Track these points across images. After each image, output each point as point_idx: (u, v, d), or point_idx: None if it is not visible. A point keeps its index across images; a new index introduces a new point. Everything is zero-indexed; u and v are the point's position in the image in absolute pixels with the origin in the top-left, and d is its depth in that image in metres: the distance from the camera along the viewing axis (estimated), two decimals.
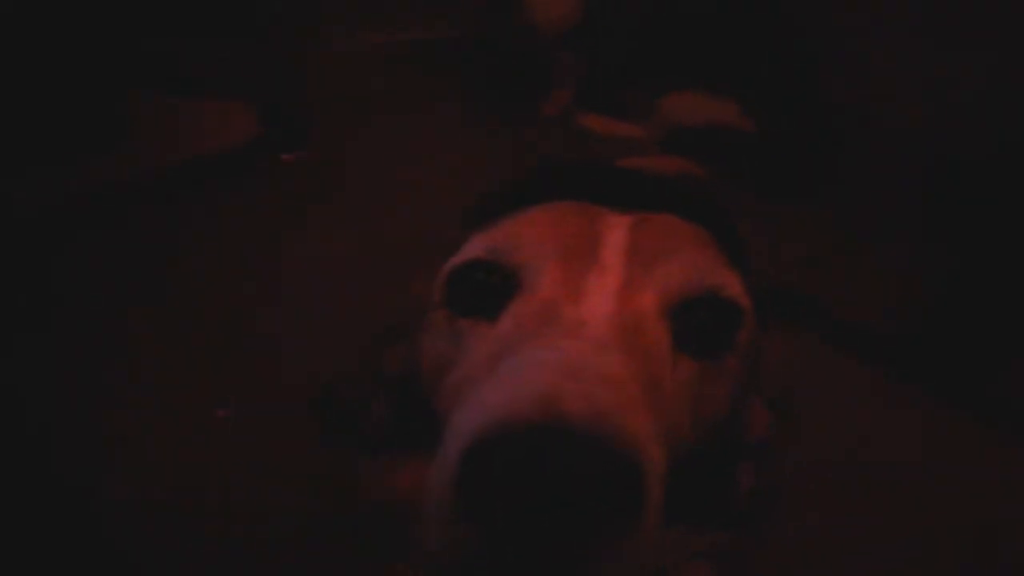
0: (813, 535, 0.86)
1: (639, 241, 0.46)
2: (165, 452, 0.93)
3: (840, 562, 0.86)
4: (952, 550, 0.89)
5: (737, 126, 1.40)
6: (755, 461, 0.52)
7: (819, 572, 0.85)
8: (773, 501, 0.55)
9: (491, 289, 0.45)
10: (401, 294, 0.55)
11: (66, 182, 1.26)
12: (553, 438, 0.33)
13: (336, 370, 0.58)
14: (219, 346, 1.07)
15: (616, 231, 0.46)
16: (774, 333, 0.68)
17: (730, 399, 0.46)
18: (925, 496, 0.94)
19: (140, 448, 0.93)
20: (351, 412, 0.55)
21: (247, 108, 1.46)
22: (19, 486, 0.86)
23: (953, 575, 0.88)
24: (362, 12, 1.68)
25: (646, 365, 0.40)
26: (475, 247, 0.46)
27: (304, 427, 0.60)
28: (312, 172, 1.39)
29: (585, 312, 0.41)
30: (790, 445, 0.56)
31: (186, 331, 1.09)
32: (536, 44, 1.49)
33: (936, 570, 0.88)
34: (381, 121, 1.50)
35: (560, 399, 0.35)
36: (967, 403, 1.13)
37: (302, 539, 0.82)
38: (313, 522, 0.83)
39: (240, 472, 0.91)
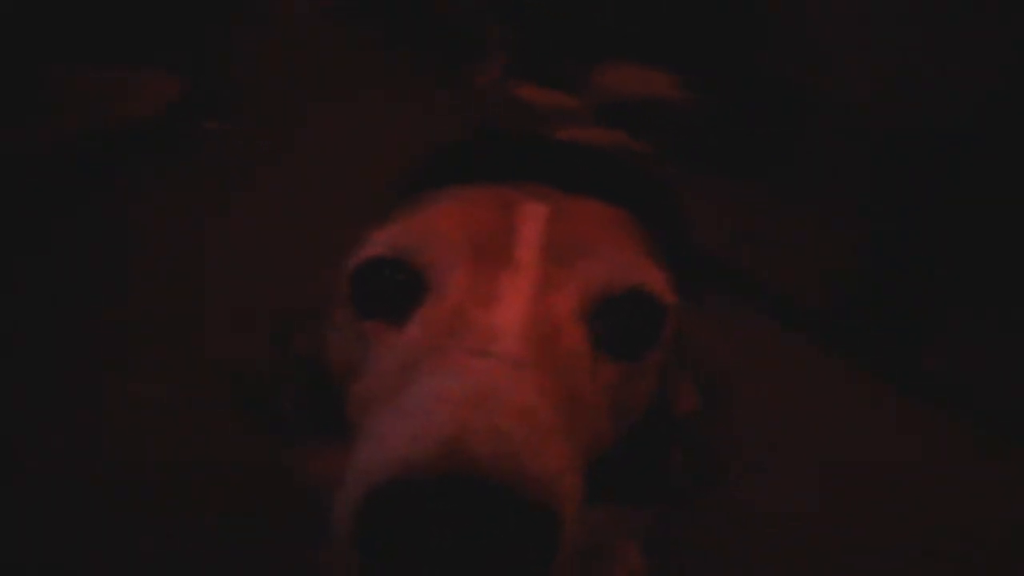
0: (746, 508, 0.86)
1: (557, 235, 0.42)
2: (89, 431, 0.90)
3: (769, 534, 0.87)
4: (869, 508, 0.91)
5: (673, 98, 1.39)
6: (683, 437, 0.51)
7: (755, 544, 0.86)
8: (704, 476, 0.55)
9: (398, 288, 0.41)
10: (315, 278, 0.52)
11: None
12: (459, 487, 0.31)
13: (248, 354, 0.56)
14: (138, 325, 1.03)
15: (532, 223, 0.43)
16: (706, 305, 0.67)
17: (653, 392, 0.45)
18: (852, 463, 0.96)
19: (65, 428, 0.90)
20: (262, 396, 0.53)
21: (168, 75, 1.40)
22: None
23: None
24: None
25: (563, 377, 0.38)
26: (380, 241, 0.42)
27: (227, 409, 0.57)
28: (235, 143, 1.34)
29: (497, 320, 0.38)
30: (720, 419, 0.55)
31: (103, 309, 1.05)
32: (463, 11, 1.46)
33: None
34: (307, 89, 1.45)
35: (466, 440, 0.32)
36: (894, 375, 1.15)
37: (227, 523, 0.80)
38: (237, 505, 0.80)
39: (165, 452, 0.89)
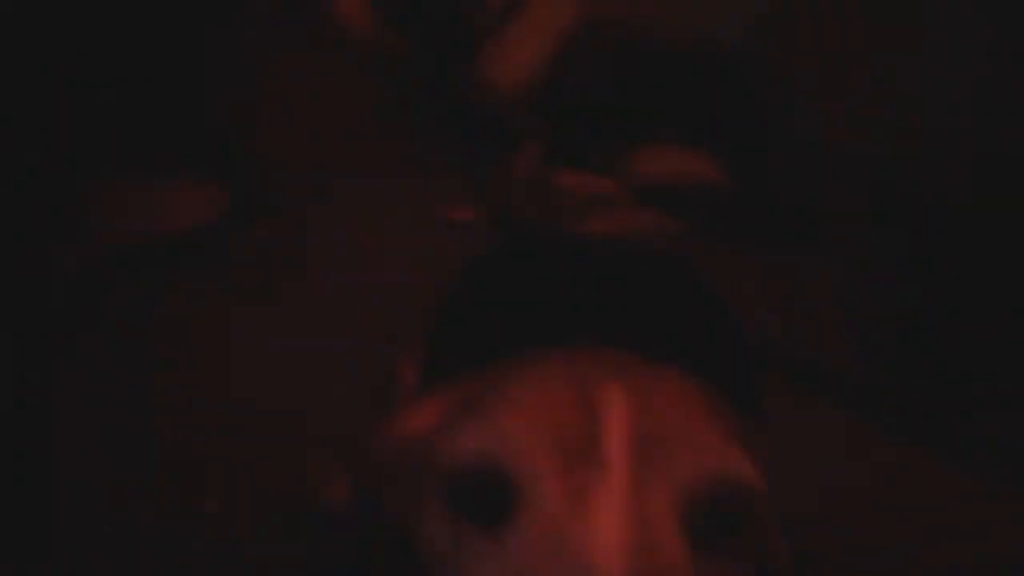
0: None
1: (641, 424, 0.42)
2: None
3: None
4: None
5: (709, 178, 1.39)
6: None
7: None
8: None
9: (489, 492, 0.41)
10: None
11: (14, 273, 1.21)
12: None
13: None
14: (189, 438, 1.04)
15: (616, 413, 0.42)
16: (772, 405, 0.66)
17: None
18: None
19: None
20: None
21: (208, 183, 1.42)
22: None
23: None
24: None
25: None
26: (470, 448, 0.42)
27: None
28: (271, 246, 1.35)
29: (595, 537, 0.37)
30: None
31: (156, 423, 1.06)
32: (498, 103, 1.47)
33: None
34: (340, 184, 1.46)
35: None
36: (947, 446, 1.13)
37: None
38: None
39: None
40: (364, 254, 1.35)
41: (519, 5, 1.48)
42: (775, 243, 1.36)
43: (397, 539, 0.47)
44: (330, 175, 1.47)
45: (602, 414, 0.42)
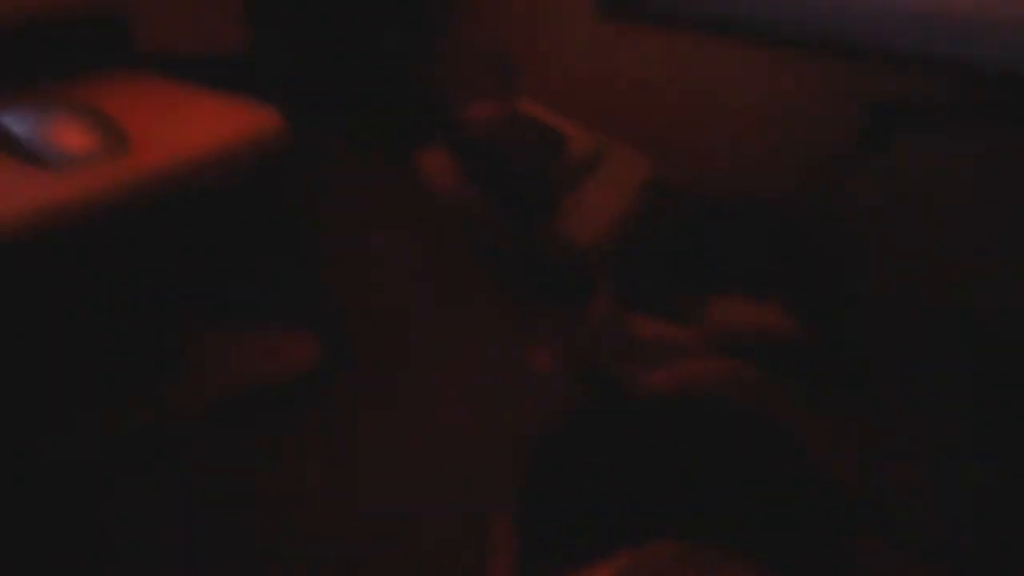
0: None
1: None
2: None
3: None
4: None
5: (781, 328, 1.42)
6: None
7: None
8: None
9: None
10: None
11: (110, 427, 1.27)
12: None
13: None
14: None
15: None
16: None
17: None
18: None
19: None
20: None
21: (301, 333, 1.50)
22: None
23: None
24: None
25: None
26: None
27: None
28: (363, 394, 1.40)
29: None
30: None
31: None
32: (577, 258, 1.54)
33: None
34: (426, 335, 1.52)
35: None
36: None
37: None
38: None
39: None
40: (453, 402, 1.39)
41: (595, 162, 1.57)
42: (848, 395, 1.38)
43: None
44: (417, 326, 1.54)
45: None
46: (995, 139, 1.42)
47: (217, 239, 1.53)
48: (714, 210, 1.54)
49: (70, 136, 1.19)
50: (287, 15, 1.88)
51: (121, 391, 1.32)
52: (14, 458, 1.18)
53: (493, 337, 1.52)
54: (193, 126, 1.30)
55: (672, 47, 1.68)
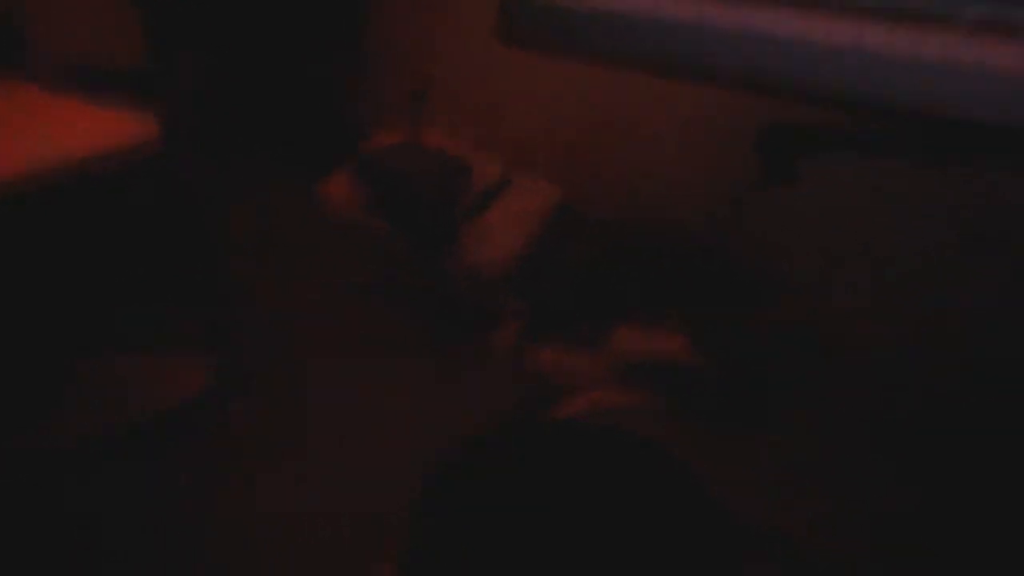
0: None
1: None
2: None
3: None
4: None
5: (684, 357, 1.42)
6: None
7: None
8: None
9: None
10: None
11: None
12: None
13: None
14: None
15: None
16: None
17: None
18: None
19: None
20: None
21: (196, 358, 1.46)
22: None
23: None
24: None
25: None
26: None
27: None
28: (254, 426, 1.37)
29: None
30: None
31: None
32: (479, 285, 1.53)
33: None
34: (322, 366, 1.50)
35: None
36: None
37: None
38: None
39: None
40: (345, 430, 1.37)
41: (501, 190, 1.56)
42: (745, 421, 1.39)
43: None
44: (313, 350, 1.51)
45: None
46: (897, 169, 1.45)
47: (99, 255, 1.48)
48: (619, 237, 1.54)
49: None
50: (192, 33, 1.84)
51: (3, 418, 1.27)
52: None
53: (395, 365, 1.50)
54: (57, 132, 1.26)
55: (575, 73, 1.68)
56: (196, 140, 1.33)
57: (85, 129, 1.25)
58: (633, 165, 1.68)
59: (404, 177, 1.52)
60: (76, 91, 1.39)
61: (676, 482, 0.82)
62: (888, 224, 1.45)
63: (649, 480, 0.83)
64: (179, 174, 1.31)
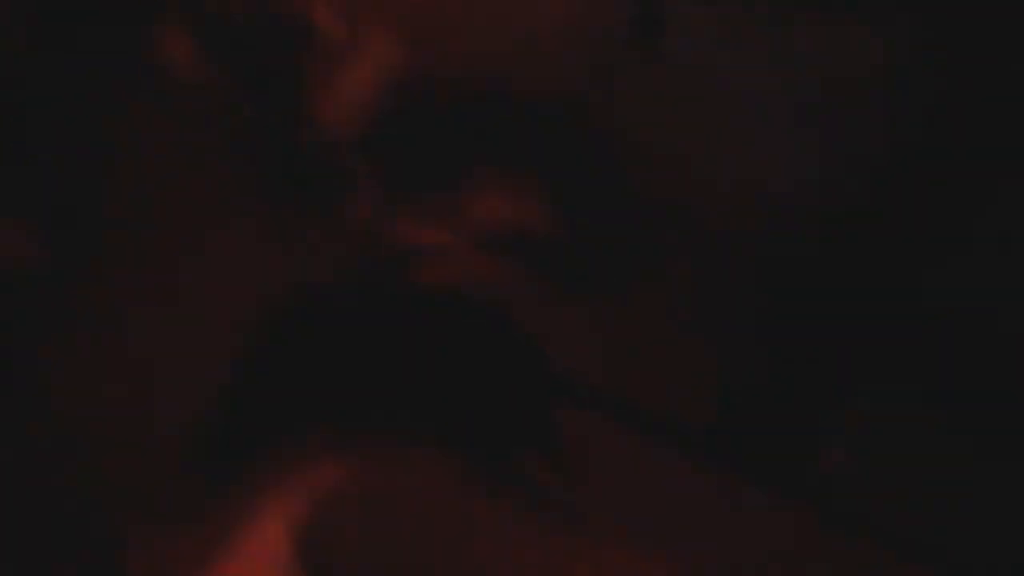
0: None
1: None
2: None
3: None
4: None
5: (543, 224, 1.38)
6: None
7: None
8: None
9: None
10: None
11: None
12: None
13: None
14: None
15: None
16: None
17: None
18: None
19: None
20: None
21: (19, 223, 1.35)
22: None
23: None
24: None
25: None
26: None
27: None
28: (94, 287, 1.29)
29: None
30: None
31: None
32: (326, 145, 1.45)
33: None
34: (159, 230, 1.41)
35: None
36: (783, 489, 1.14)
37: None
38: None
39: None
40: (194, 295, 1.32)
41: (348, 46, 1.46)
42: (607, 287, 1.36)
43: None
44: (150, 219, 1.41)
45: None
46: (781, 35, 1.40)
47: None
48: (477, 99, 1.47)
49: None
50: None
51: None
52: None
53: (239, 230, 1.40)
54: None
55: None
56: None
57: None
58: (491, 23, 1.59)
59: (243, 27, 1.42)
60: None
61: (502, 338, 0.80)
62: (753, 85, 1.42)
63: (477, 337, 0.81)
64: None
